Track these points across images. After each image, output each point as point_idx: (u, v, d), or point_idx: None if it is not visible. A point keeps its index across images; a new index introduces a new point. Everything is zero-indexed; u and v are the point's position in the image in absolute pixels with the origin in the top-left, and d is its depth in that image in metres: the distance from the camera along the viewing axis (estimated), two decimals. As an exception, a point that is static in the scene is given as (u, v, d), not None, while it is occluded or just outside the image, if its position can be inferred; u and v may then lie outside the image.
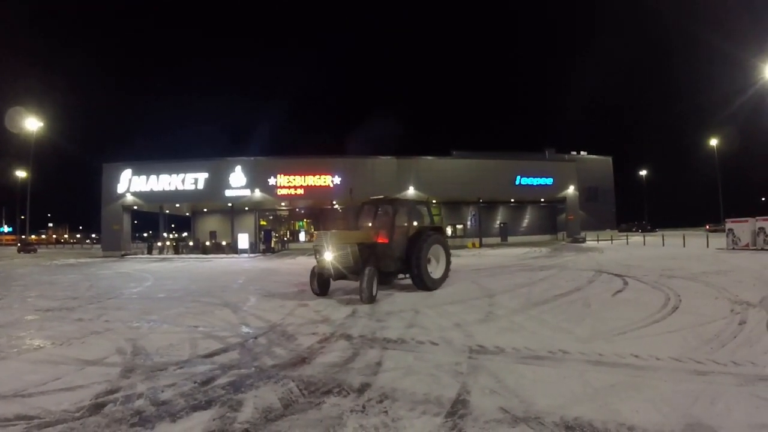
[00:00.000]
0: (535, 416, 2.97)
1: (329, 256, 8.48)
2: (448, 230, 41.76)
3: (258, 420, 3.13)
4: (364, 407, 3.27)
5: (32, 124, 37.25)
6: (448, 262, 10.57)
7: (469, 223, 40.94)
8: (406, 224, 10.20)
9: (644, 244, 27.80)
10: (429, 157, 37.23)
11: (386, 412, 3.17)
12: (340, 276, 8.72)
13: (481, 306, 7.56)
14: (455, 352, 4.70)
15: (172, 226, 42.59)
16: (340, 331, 5.85)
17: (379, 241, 9.47)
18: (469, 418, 3.00)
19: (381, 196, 10.45)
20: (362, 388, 3.66)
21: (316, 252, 8.88)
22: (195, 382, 3.95)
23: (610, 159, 48.07)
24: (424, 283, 9.56)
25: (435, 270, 10.14)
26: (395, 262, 9.58)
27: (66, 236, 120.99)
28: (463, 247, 33.74)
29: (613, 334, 5.19)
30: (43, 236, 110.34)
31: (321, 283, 9.18)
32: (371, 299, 8.20)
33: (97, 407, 3.44)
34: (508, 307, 7.39)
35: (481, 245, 35.34)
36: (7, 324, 6.91)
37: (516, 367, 4.10)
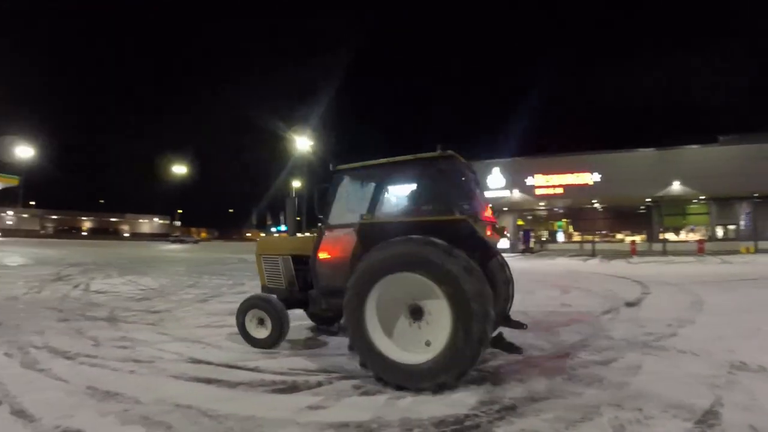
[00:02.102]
0: (784, 438, 3.05)
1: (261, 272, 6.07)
2: (719, 232, 33.61)
3: (524, 399, 3.83)
4: (620, 402, 3.77)
5: (303, 143, 47.80)
6: (471, 329, 3.87)
7: (742, 223, 32.73)
8: (362, 216, 4.63)
9: None
10: (693, 146, 31.29)
11: (640, 409, 3.61)
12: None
13: (747, 320, 6.95)
14: (714, 365, 4.72)
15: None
16: (601, 333, 6.36)
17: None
18: (717, 428, 3.28)
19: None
20: (620, 386, 4.17)
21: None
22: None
23: None
24: (361, 359, 4.27)
25: (410, 339, 4.26)
26: (325, 296, 5.07)
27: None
28: (735, 252, 27.25)
29: None
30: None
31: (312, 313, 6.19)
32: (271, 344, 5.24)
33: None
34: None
35: (756, 250, 27.76)
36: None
37: (775, 388, 3.97)
